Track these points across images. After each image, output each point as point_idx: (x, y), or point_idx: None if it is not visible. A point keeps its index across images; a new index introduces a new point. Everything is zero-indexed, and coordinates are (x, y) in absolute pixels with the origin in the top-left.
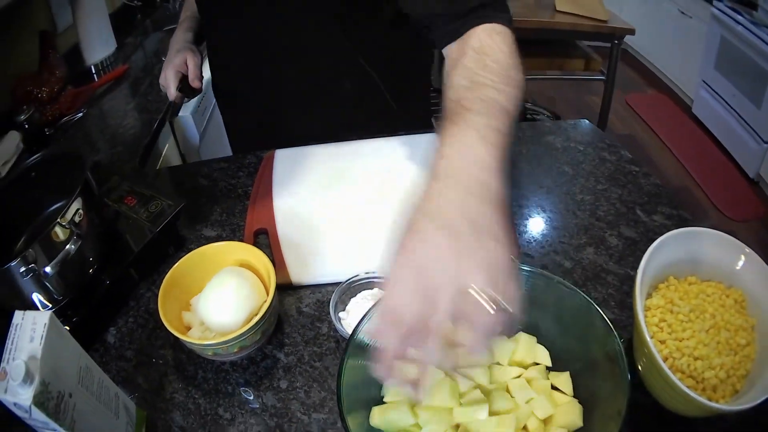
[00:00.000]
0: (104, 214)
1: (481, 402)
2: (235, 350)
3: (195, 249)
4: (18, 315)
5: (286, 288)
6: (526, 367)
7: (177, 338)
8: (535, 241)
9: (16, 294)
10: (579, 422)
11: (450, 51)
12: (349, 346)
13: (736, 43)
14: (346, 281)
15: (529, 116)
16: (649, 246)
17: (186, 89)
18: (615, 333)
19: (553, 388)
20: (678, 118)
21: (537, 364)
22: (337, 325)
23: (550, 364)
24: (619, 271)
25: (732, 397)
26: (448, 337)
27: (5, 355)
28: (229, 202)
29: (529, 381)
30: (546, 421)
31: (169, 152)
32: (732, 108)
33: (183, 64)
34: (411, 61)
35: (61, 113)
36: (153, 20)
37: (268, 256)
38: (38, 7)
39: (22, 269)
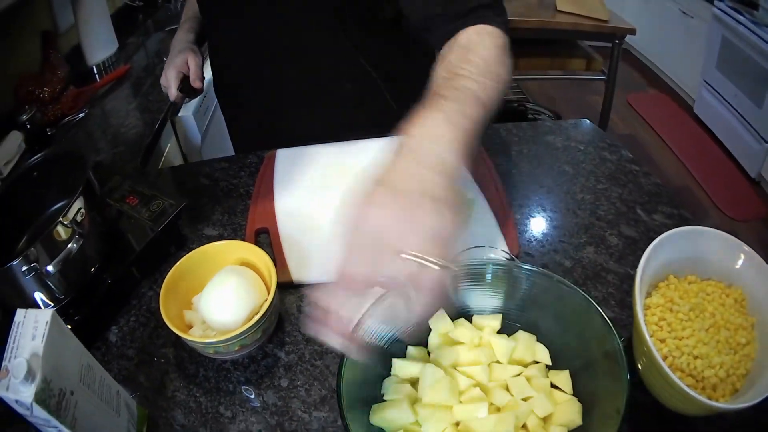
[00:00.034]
0: (106, 214)
1: (481, 400)
2: (236, 348)
3: (196, 248)
4: (20, 313)
5: (287, 287)
6: (525, 366)
7: (178, 337)
8: (535, 240)
9: (18, 293)
10: (578, 420)
11: (442, 50)
12: None
13: (737, 43)
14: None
15: (530, 116)
16: (649, 245)
17: (187, 89)
18: (614, 331)
19: (553, 386)
20: (679, 117)
21: (537, 362)
22: None
23: (549, 363)
24: (619, 270)
25: (732, 396)
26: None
27: (7, 353)
28: (230, 201)
29: (528, 379)
30: (545, 420)
31: (170, 152)
32: (733, 108)
33: (184, 64)
34: (412, 61)
35: (63, 113)
36: (154, 20)
37: (269, 256)
38: (40, 7)
39: (24, 268)
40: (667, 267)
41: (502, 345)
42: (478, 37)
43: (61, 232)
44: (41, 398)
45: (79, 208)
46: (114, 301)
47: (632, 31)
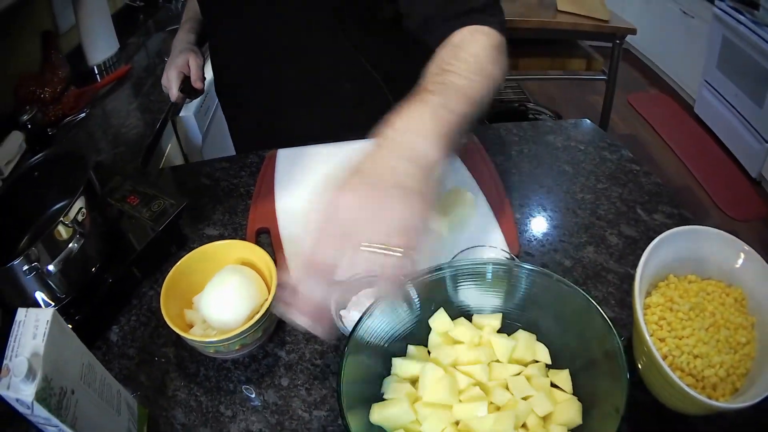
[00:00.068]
0: (107, 213)
1: (481, 399)
2: (237, 348)
3: (197, 248)
4: (21, 312)
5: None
6: (525, 365)
7: (179, 336)
8: (535, 239)
9: (20, 292)
10: (578, 420)
11: (437, 50)
12: (349, 343)
13: (738, 43)
14: (347, 279)
15: (531, 116)
16: (649, 244)
17: (188, 90)
18: (614, 331)
19: (553, 385)
20: (680, 117)
21: (537, 361)
22: (338, 323)
23: (549, 362)
24: (619, 270)
25: (732, 396)
26: None
27: (8, 352)
28: (231, 201)
29: (528, 378)
30: (545, 419)
31: (171, 152)
32: (734, 108)
33: (185, 65)
34: (412, 60)
35: (64, 113)
36: (155, 20)
37: (270, 255)
38: (40, 7)
39: (25, 267)
40: (667, 266)
41: (502, 344)
42: (471, 36)
43: (62, 231)
44: (42, 397)
45: (80, 208)
46: (115, 301)
47: (633, 31)
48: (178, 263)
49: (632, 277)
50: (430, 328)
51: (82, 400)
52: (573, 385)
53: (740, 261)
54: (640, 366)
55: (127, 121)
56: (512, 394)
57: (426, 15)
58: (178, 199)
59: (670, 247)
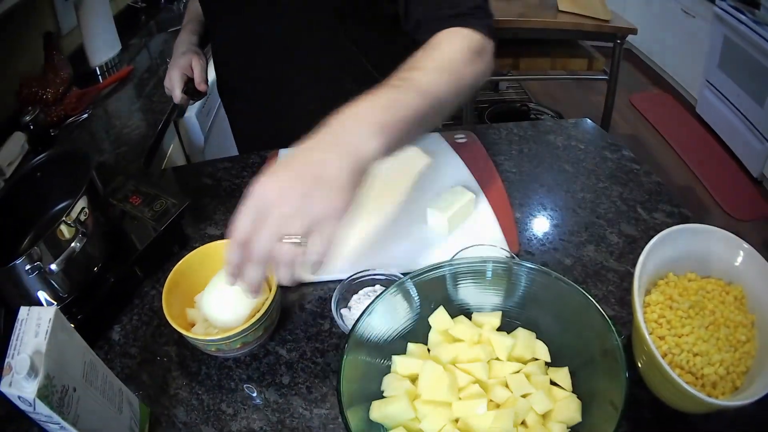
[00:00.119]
0: (109, 213)
1: (480, 396)
2: (238, 346)
3: (199, 247)
4: (23, 310)
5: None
6: (525, 363)
7: (181, 335)
8: (535, 238)
9: (22, 291)
10: (578, 417)
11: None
12: (349, 341)
13: (739, 43)
14: (348, 278)
15: (532, 116)
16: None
17: (192, 92)
18: (613, 329)
19: (552, 383)
20: (682, 117)
21: (536, 359)
22: (339, 322)
23: (549, 360)
24: (619, 269)
25: (732, 394)
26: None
27: (10, 350)
28: (233, 201)
29: (528, 376)
30: (545, 416)
31: (173, 153)
32: (736, 107)
33: (188, 66)
34: None
35: (66, 114)
36: (157, 21)
37: None
38: (42, 9)
39: (28, 267)
40: (666, 264)
41: (501, 342)
42: (449, 37)
43: (65, 231)
44: (44, 394)
45: (83, 208)
46: (117, 300)
47: (633, 31)
48: (179, 263)
49: (632, 276)
50: (430, 326)
51: (84, 398)
52: (572, 382)
53: (740, 259)
54: (639, 364)
55: (130, 121)
56: (512, 392)
57: (418, 17)
58: (180, 199)
59: (669, 246)
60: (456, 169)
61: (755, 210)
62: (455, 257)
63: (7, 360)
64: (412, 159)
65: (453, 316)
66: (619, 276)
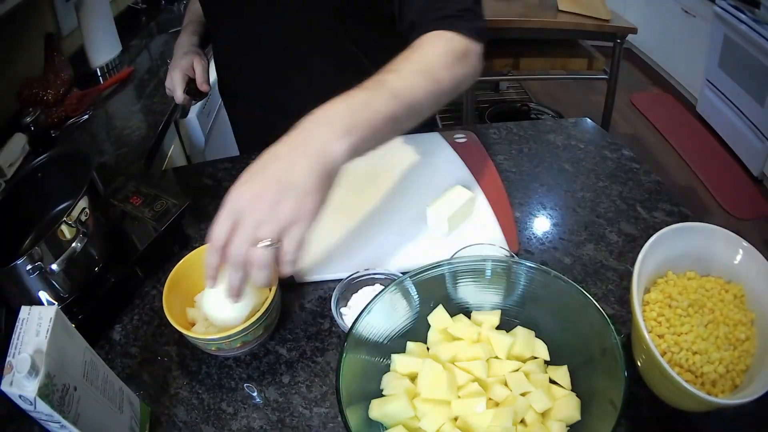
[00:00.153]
0: (110, 214)
1: (479, 395)
2: (238, 345)
3: (199, 247)
4: (24, 310)
5: (288, 284)
6: (524, 361)
7: (181, 335)
8: (535, 237)
9: (23, 291)
10: (577, 416)
11: None
12: (349, 340)
13: (739, 42)
14: (348, 277)
15: (533, 116)
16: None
17: (193, 92)
18: (612, 327)
19: (552, 381)
20: (682, 117)
21: (535, 357)
22: (339, 321)
23: (548, 358)
24: (619, 267)
25: (731, 392)
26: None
27: (11, 349)
28: None
29: (527, 374)
30: (544, 415)
31: (174, 154)
32: (736, 106)
33: (190, 67)
34: None
35: (67, 115)
36: (157, 23)
37: None
38: (43, 10)
39: (29, 267)
40: (665, 263)
41: (500, 340)
42: (431, 40)
43: (66, 231)
44: (44, 393)
45: (84, 208)
46: (117, 300)
47: (634, 31)
48: (180, 262)
49: (632, 274)
50: (429, 325)
51: (85, 397)
52: (571, 381)
53: (739, 257)
54: (639, 363)
55: (130, 122)
56: (511, 391)
57: (411, 19)
58: (180, 200)
59: (668, 244)
60: (456, 168)
61: (755, 209)
62: (454, 256)
63: (8, 359)
64: (412, 159)
65: (452, 314)
66: (619, 275)
